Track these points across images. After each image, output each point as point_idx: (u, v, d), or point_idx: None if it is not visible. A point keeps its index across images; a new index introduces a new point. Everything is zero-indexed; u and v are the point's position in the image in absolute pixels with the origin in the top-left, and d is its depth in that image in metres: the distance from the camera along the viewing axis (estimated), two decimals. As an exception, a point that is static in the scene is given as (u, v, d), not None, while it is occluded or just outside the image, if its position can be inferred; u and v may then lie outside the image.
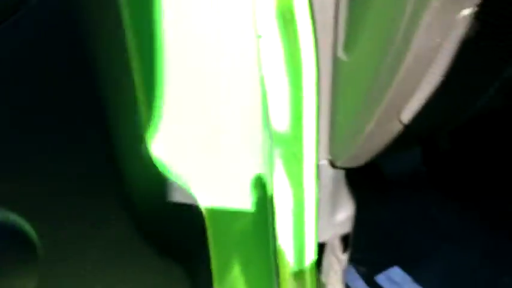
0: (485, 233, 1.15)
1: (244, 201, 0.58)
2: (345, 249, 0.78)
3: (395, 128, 0.59)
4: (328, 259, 0.73)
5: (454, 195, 1.24)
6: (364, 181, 1.17)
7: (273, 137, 0.65)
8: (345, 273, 1.09)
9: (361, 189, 1.05)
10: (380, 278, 1.08)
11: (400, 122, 0.59)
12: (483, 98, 0.62)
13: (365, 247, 1.16)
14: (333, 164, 0.67)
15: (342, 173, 0.73)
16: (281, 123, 0.64)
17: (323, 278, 0.71)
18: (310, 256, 0.75)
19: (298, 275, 0.77)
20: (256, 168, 0.59)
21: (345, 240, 0.77)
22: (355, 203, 0.79)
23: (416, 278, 1.07)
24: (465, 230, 1.17)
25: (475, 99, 0.63)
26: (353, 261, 1.12)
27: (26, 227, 0.46)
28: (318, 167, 0.67)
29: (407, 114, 0.57)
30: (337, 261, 0.74)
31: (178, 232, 0.50)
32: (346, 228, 0.75)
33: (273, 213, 0.64)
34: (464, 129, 1.24)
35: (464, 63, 0.52)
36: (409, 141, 0.73)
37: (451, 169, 1.25)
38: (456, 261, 1.10)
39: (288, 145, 0.66)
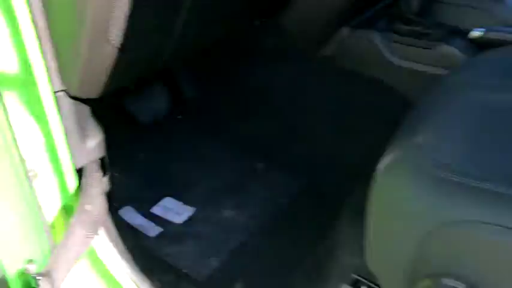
0: (239, 158, 1.40)
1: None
2: (104, 173, 0.91)
3: (109, 51, 0.74)
4: (89, 183, 0.85)
5: (208, 132, 1.47)
6: (120, 125, 1.32)
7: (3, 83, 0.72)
8: (124, 212, 1.23)
9: (118, 133, 1.18)
10: (155, 209, 1.25)
11: (112, 44, 0.74)
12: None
13: (140, 187, 1.31)
14: (69, 95, 0.78)
15: (85, 106, 0.85)
16: (10, 67, 0.72)
17: (84, 200, 0.82)
18: (72, 183, 0.85)
19: (65, 205, 0.86)
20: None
21: (103, 164, 0.90)
22: (109, 140, 0.92)
23: (186, 201, 1.27)
24: (221, 158, 1.41)
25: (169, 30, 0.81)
26: (130, 201, 1.26)
27: None
28: (56, 99, 0.78)
29: (115, 35, 0.72)
30: (99, 183, 0.86)
31: None
32: (99, 153, 0.88)
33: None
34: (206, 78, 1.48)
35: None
36: (133, 72, 0.89)
37: (200, 111, 1.48)
38: (216, 183, 1.33)
39: (23, 86, 0.75)
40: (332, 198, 1.22)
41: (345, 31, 1.25)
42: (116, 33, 0.71)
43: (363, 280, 0.81)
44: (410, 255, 0.63)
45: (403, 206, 0.64)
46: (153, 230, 1.18)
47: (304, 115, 1.34)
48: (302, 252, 1.10)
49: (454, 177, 0.60)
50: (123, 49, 0.76)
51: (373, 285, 0.79)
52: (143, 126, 1.35)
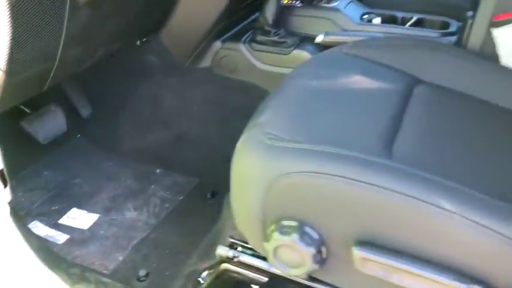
0: (138, 167, 1.54)
1: None
2: (5, 184, 1.01)
3: (-3, 74, 0.86)
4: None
5: (107, 146, 1.60)
6: (22, 147, 1.41)
7: None
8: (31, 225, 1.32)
9: (21, 155, 1.28)
10: (62, 220, 1.35)
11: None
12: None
13: (46, 203, 1.40)
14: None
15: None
16: None
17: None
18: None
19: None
20: None
21: (3, 176, 1.00)
22: (13, 161, 1.03)
23: (91, 210, 1.38)
24: (122, 168, 1.54)
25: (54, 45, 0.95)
26: (38, 216, 1.35)
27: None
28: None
29: (1, 61, 0.84)
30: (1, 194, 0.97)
31: None
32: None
33: None
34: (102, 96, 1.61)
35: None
36: (21, 93, 1.01)
37: (97, 127, 1.60)
38: (118, 190, 1.45)
39: None
40: (222, 191, 1.40)
41: (217, 44, 1.45)
42: (2, 58, 0.84)
43: (237, 242, 0.98)
44: (260, 208, 0.81)
45: (249, 170, 0.83)
46: (60, 237, 1.28)
47: (192, 121, 1.51)
48: (198, 238, 1.25)
49: (281, 144, 0.79)
50: (9, 73, 0.88)
51: (245, 244, 0.97)
52: (44, 146, 1.45)
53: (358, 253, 0.73)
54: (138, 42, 1.38)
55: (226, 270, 0.98)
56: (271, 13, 1.36)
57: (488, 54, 1.14)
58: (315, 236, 0.77)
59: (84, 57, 1.11)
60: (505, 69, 1.10)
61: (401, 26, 1.37)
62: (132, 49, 1.42)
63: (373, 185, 0.72)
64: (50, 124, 1.42)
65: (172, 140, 1.55)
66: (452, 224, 0.68)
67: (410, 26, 1.39)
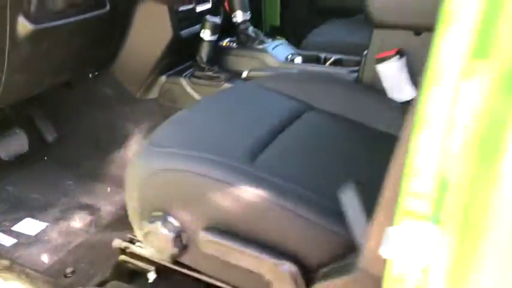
0: (92, 185, 1.73)
1: None
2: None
3: None
4: None
5: (68, 167, 1.79)
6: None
7: None
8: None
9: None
10: (15, 227, 1.53)
11: None
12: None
13: (4, 213, 1.59)
14: None
15: None
16: None
17: None
18: None
19: None
20: None
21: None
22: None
23: (43, 220, 1.56)
24: (78, 186, 1.73)
25: None
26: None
27: None
28: None
29: None
30: None
31: None
32: None
33: None
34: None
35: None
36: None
37: (61, 150, 1.81)
38: (71, 204, 1.63)
39: None
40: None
41: (163, 78, 1.66)
42: None
43: (133, 236, 1.14)
44: (138, 203, 0.98)
45: (132, 171, 1.00)
46: (8, 241, 1.46)
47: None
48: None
49: (157, 149, 0.97)
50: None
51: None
52: (11, 166, 1.66)
53: (203, 235, 0.89)
54: (90, 75, 1.60)
55: (123, 261, 1.13)
56: (205, 52, 1.57)
57: (378, 87, 1.31)
58: (176, 224, 0.93)
59: (30, 84, 1.33)
60: (386, 100, 1.27)
61: (319, 65, 1.56)
62: (88, 81, 1.64)
63: (219, 180, 0.88)
64: (12, 144, 1.63)
65: (126, 162, 1.73)
66: (271, 210, 0.83)
67: (330, 65, 1.57)
